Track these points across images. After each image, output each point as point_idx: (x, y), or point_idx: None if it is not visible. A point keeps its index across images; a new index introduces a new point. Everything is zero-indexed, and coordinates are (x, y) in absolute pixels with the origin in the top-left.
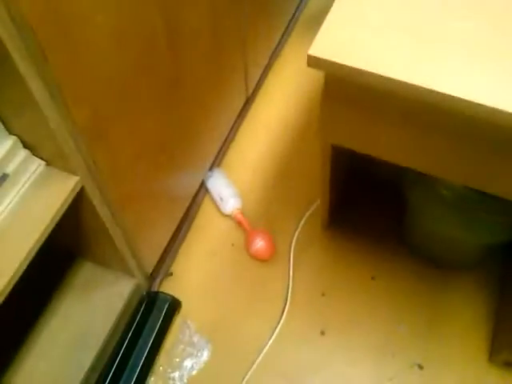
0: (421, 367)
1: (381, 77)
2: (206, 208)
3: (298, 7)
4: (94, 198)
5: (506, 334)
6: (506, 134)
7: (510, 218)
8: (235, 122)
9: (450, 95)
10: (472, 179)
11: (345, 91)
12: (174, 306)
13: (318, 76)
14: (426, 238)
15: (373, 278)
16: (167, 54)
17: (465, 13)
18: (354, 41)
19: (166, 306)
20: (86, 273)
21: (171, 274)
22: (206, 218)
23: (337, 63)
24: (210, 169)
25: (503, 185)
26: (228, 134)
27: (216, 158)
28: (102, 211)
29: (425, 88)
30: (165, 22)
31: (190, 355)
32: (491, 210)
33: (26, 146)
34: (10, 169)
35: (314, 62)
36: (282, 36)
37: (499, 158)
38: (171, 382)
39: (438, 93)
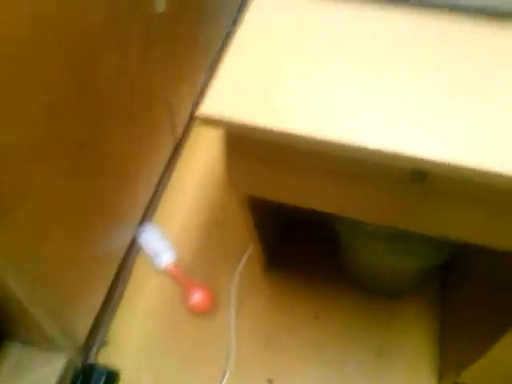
0: None
1: (281, 134)
2: (139, 265)
3: (223, 42)
4: (8, 278)
5: (451, 354)
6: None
7: (439, 242)
8: (163, 174)
9: (346, 144)
10: (389, 221)
11: (245, 145)
12: (112, 378)
13: None
14: (362, 270)
15: (316, 317)
16: (78, 120)
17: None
18: (249, 95)
19: (103, 380)
20: (14, 356)
21: (106, 344)
22: (140, 276)
23: (230, 122)
24: (142, 223)
25: (423, 225)
26: (157, 188)
27: (146, 212)
28: (18, 290)
29: (324, 140)
30: (73, 84)
31: None
32: (420, 236)
33: None
34: None
35: (206, 122)
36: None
37: (416, 201)
38: None
39: (343, 144)
